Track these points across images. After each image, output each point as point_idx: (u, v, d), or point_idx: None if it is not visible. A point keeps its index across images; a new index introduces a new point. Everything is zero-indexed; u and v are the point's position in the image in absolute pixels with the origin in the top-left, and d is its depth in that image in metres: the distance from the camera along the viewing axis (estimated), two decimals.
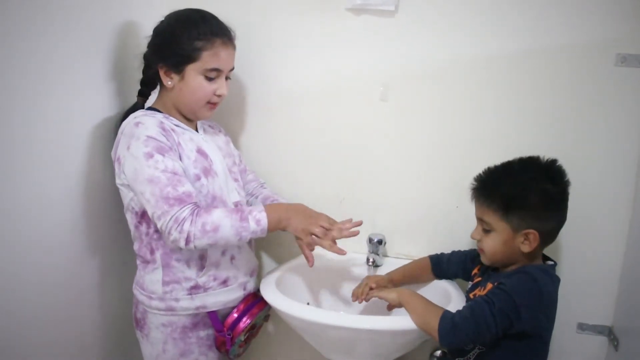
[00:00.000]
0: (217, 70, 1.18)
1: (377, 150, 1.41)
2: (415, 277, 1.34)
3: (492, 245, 1.12)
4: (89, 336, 1.29)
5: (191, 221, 1.08)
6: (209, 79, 1.18)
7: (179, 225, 1.07)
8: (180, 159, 1.15)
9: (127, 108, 1.26)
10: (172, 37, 1.16)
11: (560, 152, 1.16)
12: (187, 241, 1.08)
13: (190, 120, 1.25)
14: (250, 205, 1.37)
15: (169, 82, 1.18)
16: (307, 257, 1.23)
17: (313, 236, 1.17)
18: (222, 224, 1.10)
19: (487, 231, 1.13)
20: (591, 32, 1.25)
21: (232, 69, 1.23)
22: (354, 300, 1.27)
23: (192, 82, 1.17)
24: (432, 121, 1.37)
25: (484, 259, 1.17)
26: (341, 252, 1.18)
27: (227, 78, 1.22)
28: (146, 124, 1.13)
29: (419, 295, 1.15)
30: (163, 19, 1.20)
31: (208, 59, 1.16)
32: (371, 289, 1.25)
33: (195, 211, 1.09)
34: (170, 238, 1.08)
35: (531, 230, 1.08)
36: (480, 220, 1.15)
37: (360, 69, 1.37)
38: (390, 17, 1.32)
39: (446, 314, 1.08)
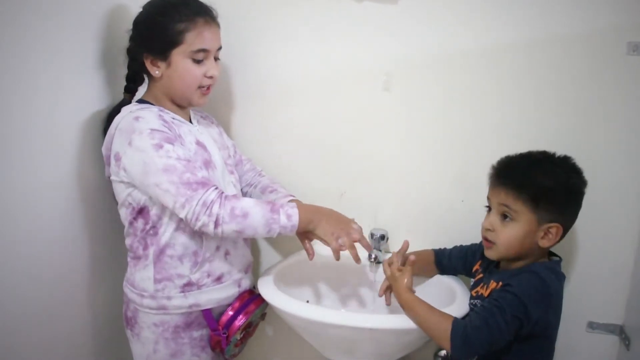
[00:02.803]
0: (204, 50, 1.15)
1: (380, 142, 1.38)
2: (420, 266, 1.29)
3: (510, 237, 1.08)
4: (79, 335, 1.27)
5: (220, 204, 1.06)
6: (197, 62, 1.15)
7: (207, 208, 1.05)
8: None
9: (117, 100, 1.23)
10: (153, 24, 1.14)
11: (569, 145, 1.14)
12: (216, 224, 1.05)
13: (182, 109, 1.22)
14: (249, 196, 1.35)
15: (157, 72, 1.15)
16: (307, 250, 1.22)
17: (339, 242, 1.15)
18: (252, 211, 1.08)
19: (506, 220, 1.08)
20: (600, 20, 1.21)
21: (220, 48, 1.19)
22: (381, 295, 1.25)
23: (180, 67, 1.14)
24: (436, 112, 1.34)
25: (491, 253, 1.12)
26: (357, 259, 1.17)
27: (216, 59, 1.19)
28: (146, 118, 1.10)
29: (420, 301, 1.12)
30: (141, 9, 1.17)
31: (192, 40, 1.13)
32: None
33: (223, 194, 1.08)
34: (199, 224, 1.05)
35: (555, 224, 1.06)
36: (503, 206, 1.08)
37: (361, 57, 1.34)
38: (393, 3, 1.28)
39: (457, 326, 1.04)
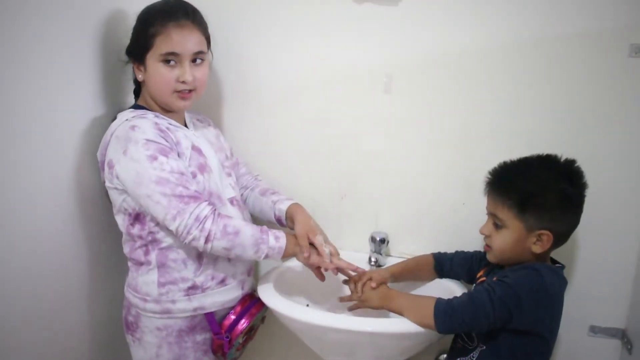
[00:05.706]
0: (174, 54, 1.12)
1: (380, 144, 1.37)
2: (417, 274, 1.30)
3: (502, 243, 1.10)
4: (77, 339, 1.27)
5: (213, 220, 1.07)
6: (168, 65, 1.13)
7: (200, 223, 1.06)
8: (179, 158, 1.12)
9: (116, 105, 1.25)
10: (134, 31, 1.17)
11: (570, 149, 1.12)
12: (207, 240, 1.07)
13: (174, 112, 1.21)
14: (247, 198, 1.35)
15: (140, 76, 1.17)
16: (319, 276, 1.26)
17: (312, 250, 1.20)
18: (243, 230, 1.10)
19: (498, 227, 1.10)
20: (603, 21, 1.20)
21: (200, 52, 1.15)
22: (343, 300, 1.27)
23: (153, 71, 1.14)
24: (437, 113, 1.32)
25: (490, 257, 1.14)
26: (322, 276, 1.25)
27: (195, 62, 1.15)
28: (142, 127, 1.10)
29: (402, 293, 1.16)
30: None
31: (160, 43, 1.12)
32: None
33: (216, 211, 1.09)
34: (189, 237, 1.06)
35: (545, 231, 1.06)
36: (492, 215, 1.11)
37: (362, 59, 1.32)
38: (394, 4, 1.27)
39: (440, 301, 1.07)
